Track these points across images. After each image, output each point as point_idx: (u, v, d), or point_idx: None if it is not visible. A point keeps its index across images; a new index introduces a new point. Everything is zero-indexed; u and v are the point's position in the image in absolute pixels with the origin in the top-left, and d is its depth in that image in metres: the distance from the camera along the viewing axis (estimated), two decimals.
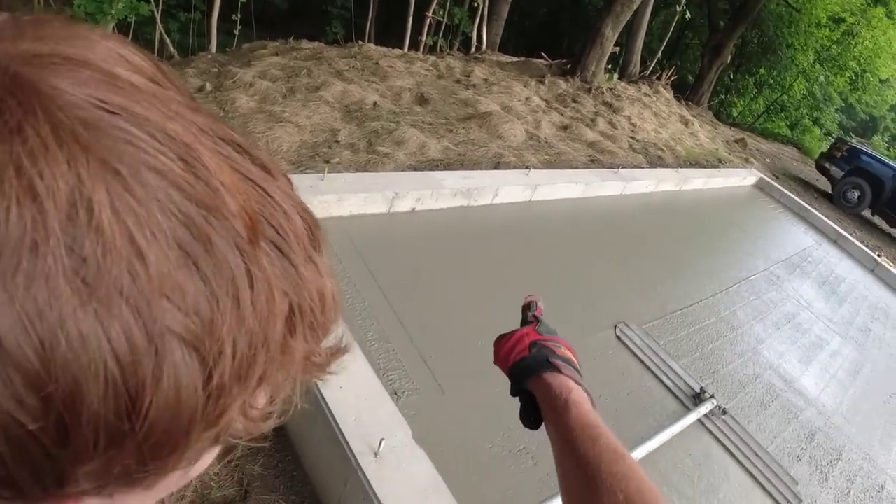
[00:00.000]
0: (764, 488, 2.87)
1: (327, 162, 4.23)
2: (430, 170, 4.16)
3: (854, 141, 15.37)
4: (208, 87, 4.97)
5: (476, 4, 11.59)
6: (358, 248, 2.99)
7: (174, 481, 0.29)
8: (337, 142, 4.77)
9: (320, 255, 0.30)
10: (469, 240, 3.55)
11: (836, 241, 7.58)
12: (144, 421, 0.22)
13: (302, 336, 0.28)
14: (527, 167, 4.53)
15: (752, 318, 4.41)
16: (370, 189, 3.28)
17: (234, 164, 0.26)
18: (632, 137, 7.76)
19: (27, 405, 0.20)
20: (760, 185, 8.16)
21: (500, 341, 0.88)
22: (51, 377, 0.20)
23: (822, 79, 17.83)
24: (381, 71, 7.31)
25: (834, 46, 17.80)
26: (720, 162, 8.46)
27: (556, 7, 18.55)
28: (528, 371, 0.77)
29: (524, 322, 0.91)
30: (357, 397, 2.02)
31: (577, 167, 5.50)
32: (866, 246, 7.99)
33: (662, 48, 12.02)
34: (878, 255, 7.89)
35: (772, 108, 18.63)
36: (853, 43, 17.51)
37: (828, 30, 17.61)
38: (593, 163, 6.14)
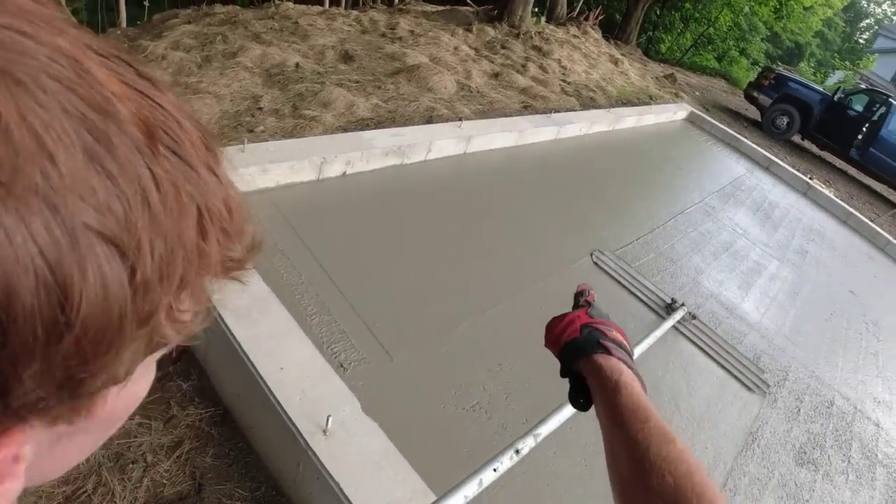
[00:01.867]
0: (737, 378, 3.31)
1: (251, 131, 4.04)
2: (361, 130, 4.03)
3: (781, 69, 15.81)
4: None
5: None
6: (289, 219, 2.88)
7: (115, 405, 0.30)
8: (260, 109, 4.56)
9: (219, 167, 0.30)
10: (405, 199, 3.47)
11: (767, 167, 7.85)
12: (78, 312, 0.22)
13: (215, 239, 0.29)
14: (460, 119, 4.45)
15: (691, 249, 4.54)
16: (296, 156, 3.14)
17: (122, 77, 0.26)
18: (563, 81, 7.73)
19: None
20: (691, 119, 8.32)
21: (552, 324, 0.87)
22: None
23: (746, 9, 18.12)
24: (302, 30, 7.01)
25: None
26: (651, 99, 8.56)
27: None
28: (579, 352, 0.77)
29: (576, 306, 0.89)
30: (299, 376, 1.97)
31: (510, 115, 5.45)
32: (798, 170, 8.31)
33: None
34: (810, 179, 8.23)
35: (699, 41, 18.89)
36: None
37: None
38: (527, 109, 6.10)
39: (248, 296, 2.19)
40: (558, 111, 6.01)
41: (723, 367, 3.35)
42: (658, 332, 3.10)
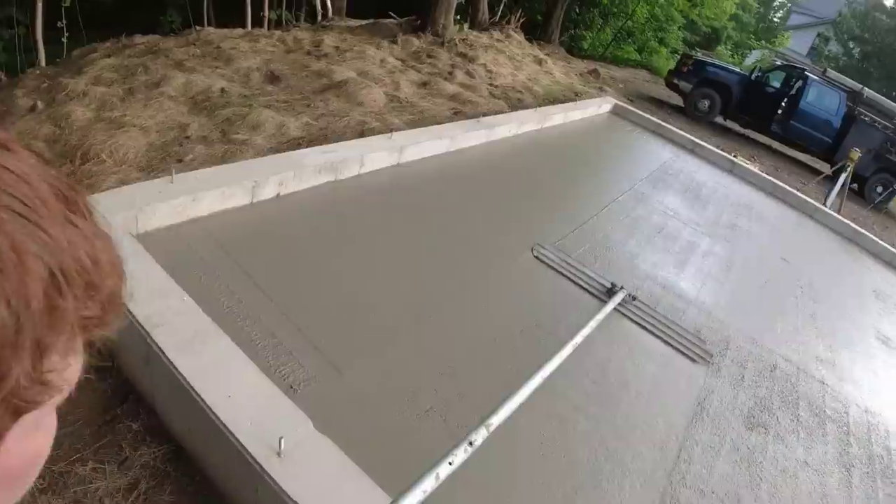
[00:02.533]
0: (681, 352, 3.45)
1: (180, 160, 3.95)
2: (293, 150, 4.00)
3: (698, 54, 16.45)
4: (40, 104, 4.48)
5: None
6: (225, 246, 2.83)
7: (8, 463, 0.30)
8: (188, 137, 4.47)
9: (84, 220, 0.30)
10: (342, 215, 3.47)
11: (693, 150, 8.15)
12: None
13: (72, 297, 0.28)
14: (390, 131, 4.47)
15: (625, 235, 4.67)
16: (227, 182, 3.10)
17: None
18: (490, 84, 7.87)
19: None
20: (616, 111, 8.57)
21: None
22: None
23: (662, 0, 18.79)
24: (225, 54, 6.92)
25: None
26: (577, 95, 8.79)
27: None
28: None
29: None
30: (248, 401, 1.93)
31: (441, 122, 5.51)
32: (722, 150, 8.65)
33: None
34: (735, 156, 8.57)
35: (619, 35, 19.45)
36: None
37: None
38: (457, 115, 6.17)
39: (188, 328, 2.14)
40: (487, 115, 6.10)
41: (666, 342, 3.48)
42: (600, 316, 3.21)
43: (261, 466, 1.76)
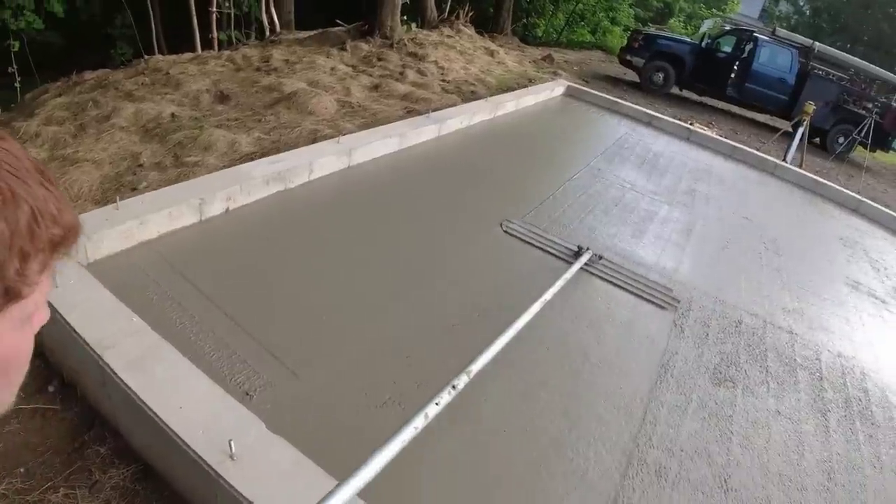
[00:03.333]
0: (648, 301, 3.68)
1: (135, 189, 3.92)
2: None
3: (648, 29, 16.63)
4: None
5: None
6: (175, 266, 2.82)
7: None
8: (140, 166, 4.44)
9: (52, 185, 0.46)
10: (293, 223, 3.45)
11: (649, 122, 8.22)
12: None
13: (45, 226, 0.44)
14: (339, 135, 4.47)
15: (582, 212, 4.69)
16: (174, 203, 3.08)
17: None
18: (443, 80, 7.88)
19: None
20: (570, 93, 8.63)
21: None
22: None
23: None
24: (174, 80, 6.88)
25: None
26: (530, 82, 8.82)
27: None
28: None
29: None
30: (201, 412, 1.93)
31: (394, 122, 5.52)
32: (679, 119, 8.74)
33: None
34: (691, 124, 8.68)
35: (571, 19, 19.57)
36: None
37: None
38: (410, 114, 6.17)
39: (138, 347, 2.13)
40: (439, 110, 6.11)
41: (633, 294, 3.70)
42: (568, 275, 3.38)
43: (215, 472, 1.76)
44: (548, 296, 3.03)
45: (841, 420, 3.14)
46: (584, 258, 3.78)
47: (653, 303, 3.67)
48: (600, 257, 3.94)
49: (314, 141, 5.00)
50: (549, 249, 3.92)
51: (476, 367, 2.19)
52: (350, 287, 3.00)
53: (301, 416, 2.14)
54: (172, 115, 5.55)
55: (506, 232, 4.00)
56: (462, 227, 3.98)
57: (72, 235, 0.47)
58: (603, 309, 3.46)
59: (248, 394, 2.19)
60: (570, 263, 3.67)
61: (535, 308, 2.86)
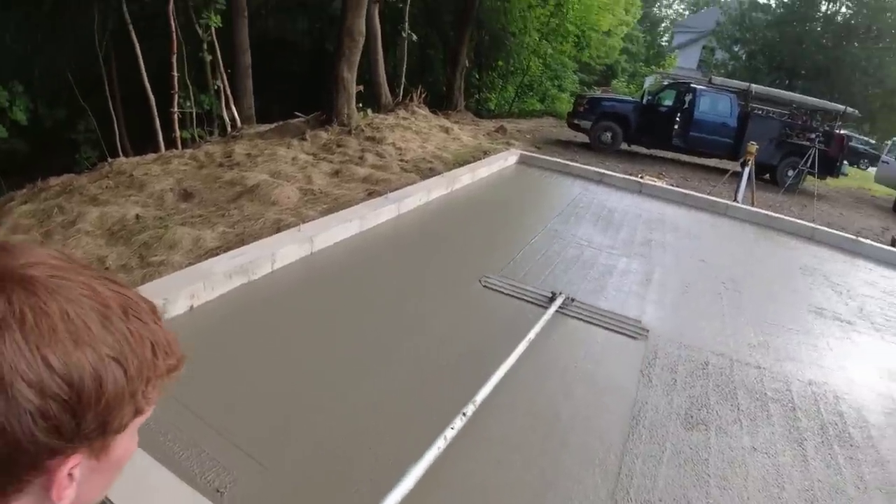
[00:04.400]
0: (622, 333, 3.99)
1: None
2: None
3: (592, 92, 17.47)
4: None
5: (217, 87, 11.52)
6: None
7: (120, 453, 0.56)
8: (107, 269, 4.48)
9: (160, 318, 0.60)
10: (258, 315, 3.49)
11: (600, 181, 8.53)
12: (106, 393, 0.50)
13: (162, 358, 0.57)
14: (299, 223, 4.58)
15: (541, 273, 4.80)
16: None
17: (109, 286, 0.54)
18: (401, 160, 8.14)
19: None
20: (523, 160, 8.96)
21: None
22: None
23: (550, 50, 20.07)
24: (138, 181, 7.02)
25: (552, 19, 20.13)
26: (485, 153, 9.15)
27: (310, 66, 18.97)
28: None
29: None
30: None
31: (354, 206, 5.66)
32: (629, 174, 9.08)
33: (405, 72, 12.76)
34: (641, 177, 9.01)
35: (520, 90, 20.57)
36: (566, 10, 19.95)
37: (540, 8, 19.88)
38: (371, 196, 6.34)
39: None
40: (399, 188, 6.30)
41: (606, 328, 4.03)
42: (546, 317, 3.74)
43: None
44: (533, 332, 3.44)
45: (819, 447, 3.16)
46: (559, 302, 4.10)
47: (624, 334, 3.96)
48: (573, 300, 4.25)
49: (278, 230, 5.10)
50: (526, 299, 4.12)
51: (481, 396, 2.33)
52: (318, 372, 3.02)
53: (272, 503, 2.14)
54: (137, 216, 5.63)
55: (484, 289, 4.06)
56: (428, 293, 4.05)
57: (181, 363, 0.61)
58: (577, 355, 3.59)
59: (218, 490, 2.18)
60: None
61: (520, 348, 3.17)
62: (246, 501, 2.13)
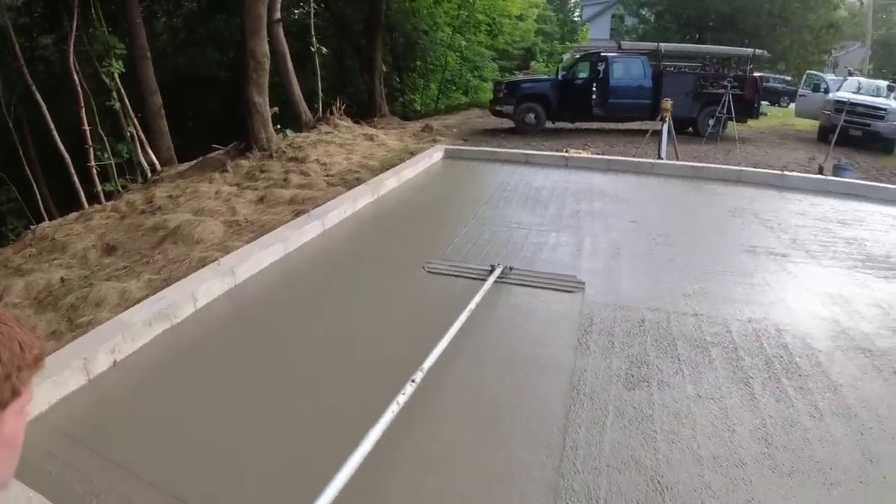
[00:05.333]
0: (560, 290, 4.25)
1: None
2: None
3: (509, 77, 17.65)
4: None
5: (129, 133, 11.21)
6: (70, 433, 2.67)
7: (10, 429, 0.71)
8: (38, 337, 4.29)
9: (23, 327, 0.73)
10: (183, 358, 3.36)
11: (526, 161, 8.62)
12: None
13: (28, 350, 0.71)
14: (217, 258, 4.46)
15: (473, 259, 4.83)
16: (56, 370, 2.96)
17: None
18: (327, 175, 8.03)
19: None
20: (449, 155, 8.98)
21: None
22: None
23: (464, 43, 20.20)
24: (60, 244, 6.79)
25: (460, 12, 20.25)
26: (412, 155, 9.12)
27: (228, 98, 18.59)
28: None
29: None
30: None
31: (276, 229, 5.56)
32: (555, 150, 9.18)
33: (321, 87, 12.63)
34: (566, 151, 9.12)
35: (442, 87, 20.66)
36: (472, 1, 20.10)
37: (447, 2, 19.97)
38: (298, 216, 6.23)
39: None
40: (322, 204, 6.21)
41: (544, 287, 4.28)
42: (486, 286, 4.02)
43: None
44: (474, 302, 3.70)
45: (766, 382, 3.19)
46: (497, 272, 4.38)
47: (561, 290, 4.24)
48: (511, 268, 4.53)
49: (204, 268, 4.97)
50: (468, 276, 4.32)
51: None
52: (250, 406, 2.93)
53: None
54: (62, 279, 5.42)
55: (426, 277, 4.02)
56: (359, 308, 3.99)
57: (43, 355, 0.75)
58: (517, 322, 3.78)
59: None
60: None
61: (462, 319, 3.41)
62: None
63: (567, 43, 29.66)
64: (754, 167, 8.59)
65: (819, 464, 2.56)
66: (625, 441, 2.69)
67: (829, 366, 3.39)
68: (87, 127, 10.58)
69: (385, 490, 2.35)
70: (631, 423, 2.82)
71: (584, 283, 4.34)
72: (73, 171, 10.72)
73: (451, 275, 4.52)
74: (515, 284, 4.33)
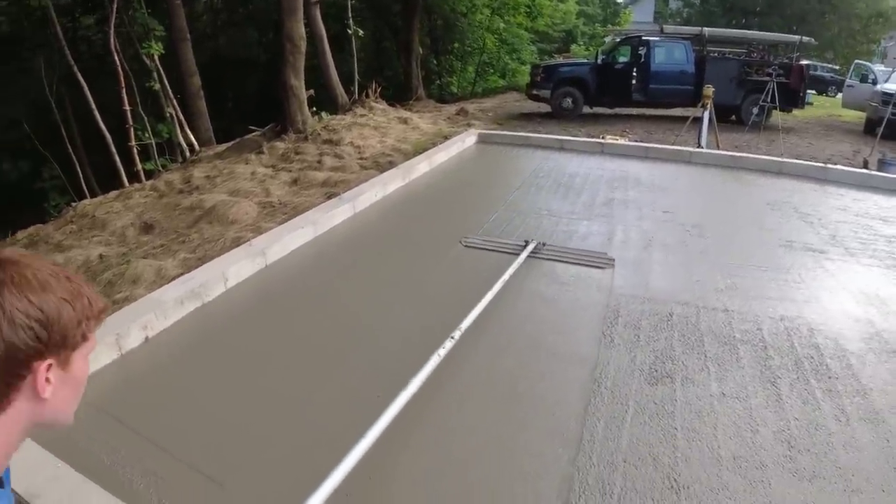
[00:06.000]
0: (590, 265, 4.47)
1: None
2: None
3: (547, 60, 17.36)
4: None
5: (169, 114, 11.42)
6: (99, 406, 2.77)
7: (79, 370, 0.84)
8: None
9: (87, 284, 0.85)
10: (214, 337, 3.45)
11: (561, 147, 8.50)
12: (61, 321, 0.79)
13: (94, 303, 0.84)
14: (249, 239, 4.54)
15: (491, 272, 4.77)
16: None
17: (56, 266, 0.82)
18: (360, 158, 8.08)
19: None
20: (482, 140, 8.92)
21: None
22: None
23: (502, 25, 19.95)
24: (100, 221, 7.01)
25: None
26: (445, 139, 9.09)
27: (268, 79, 18.81)
28: None
29: None
30: None
31: (307, 212, 5.62)
32: (591, 137, 9.04)
33: (358, 69, 12.65)
34: (603, 138, 8.97)
35: (480, 70, 20.47)
36: None
37: None
38: (330, 199, 6.29)
39: (62, 490, 2.17)
40: (355, 187, 6.25)
41: (575, 263, 4.49)
42: (520, 259, 4.29)
43: None
44: (508, 273, 3.97)
45: (794, 383, 3.11)
46: (531, 247, 4.60)
47: (592, 266, 4.46)
48: (544, 244, 4.78)
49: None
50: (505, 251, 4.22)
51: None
52: (276, 386, 2.99)
53: None
54: (100, 256, 5.60)
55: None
56: (383, 294, 4.03)
57: (106, 310, 0.87)
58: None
59: None
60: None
61: (495, 288, 3.70)
62: None
63: (609, 26, 29.03)
64: (797, 159, 8.31)
65: (841, 470, 2.50)
66: (644, 437, 2.66)
67: (861, 369, 3.28)
68: (127, 107, 10.81)
69: (397, 469, 2.38)
70: (651, 419, 2.79)
71: (614, 260, 4.56)
72: (114, 150, 10.97)
73: (486, 249, 4.77)
74: (548, 259, 4.54)
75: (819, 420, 2.82)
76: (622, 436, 2.66)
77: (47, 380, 0.78)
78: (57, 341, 0.78)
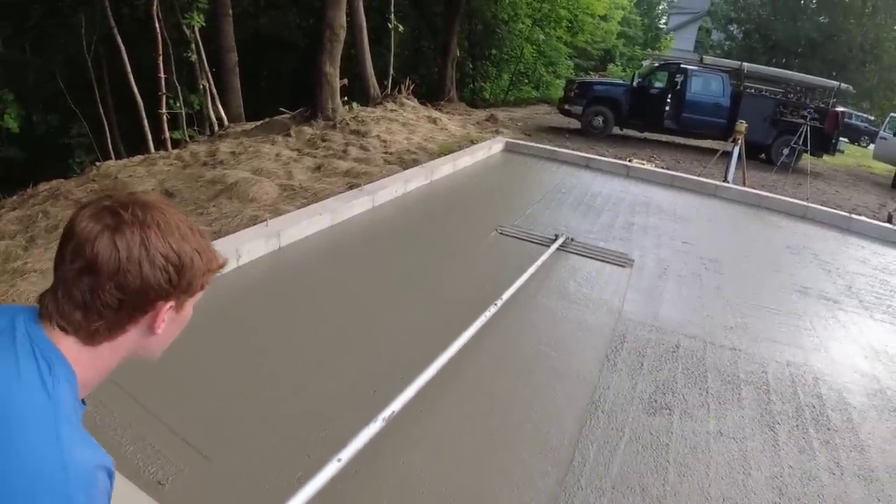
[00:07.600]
0: (611, 263, 4.88)
1: None
2: None
3: (582, 77, 17.32)
4: None
5: (202, 86, 11.52)
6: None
7: (186, 313, 0.93)
8: None
9: (207, 240, 0.91)
10: (222, 311, 3.47)
11: (587, 166, 8.48)
12: (191, 269, 0.86)
13: (216, 260, 0.92)
14: (266, 219, 4.56)
15: (518, 261, 4.73)
16: None
17: (190, 225, 0.89)
18: (385, 153, 8.09)
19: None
20: (509, 148, 8.91)
21: None
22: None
23: (542, 37, 19.94)
24: (121, 184, 7.05)
25: (543, 5, 19.98)
26: (472, 143, 9.09)
27: (304, 62, 18.96)
28: None
29: None
30: None
31: (326, 199, 5.65)
32: (618, 158, 9.00)
33: (394, 64, 12.69)
34: (629, 160, 8.93)
35: (515, 78, 20.48)
36: None
37: None
38: (351, 189, 6.31)
39: None
40: (378, 180, 6.26)
41: (598, 259, 4.90)
42: (550, 251, 4.71)
43: None
44: (535, 265, 4.29)
45: (792, 430, 3.08)
46: (560, 241, 5.04)
47: (613, 264, 4.89)
48: (573, 239, 5.24)
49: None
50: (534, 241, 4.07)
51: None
52: (276, 364, 3.00)
53: (213, 497, 2.13)
54: None
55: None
56: (394, 288, 4.03)
57: (224, 266, 0.95)
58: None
59: (160, 482, 2.18)
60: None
61: (523, 278, 3.99)
62: (186, 492, 2.13)
63: (648, 49, 28.91)
64: (822, 205, 8.22)
65: None
66: (635, 466, 2.64)
67: (861, 424, 3.24)
68: (163, 75, 10.90)
69: (384, 465, 2.37)
70: (645, 449, 2.76)
71: (633, 261, 5.04)
72: (144, 115, 11.09)
73: (519, 238, 5.21)
74: (575, 254, 4.99)
75: (813, 471, 2.78)
76: (613, 462, 2.64)
77: (163, 319, 0.87)
78: (183, 287, 0.86)
